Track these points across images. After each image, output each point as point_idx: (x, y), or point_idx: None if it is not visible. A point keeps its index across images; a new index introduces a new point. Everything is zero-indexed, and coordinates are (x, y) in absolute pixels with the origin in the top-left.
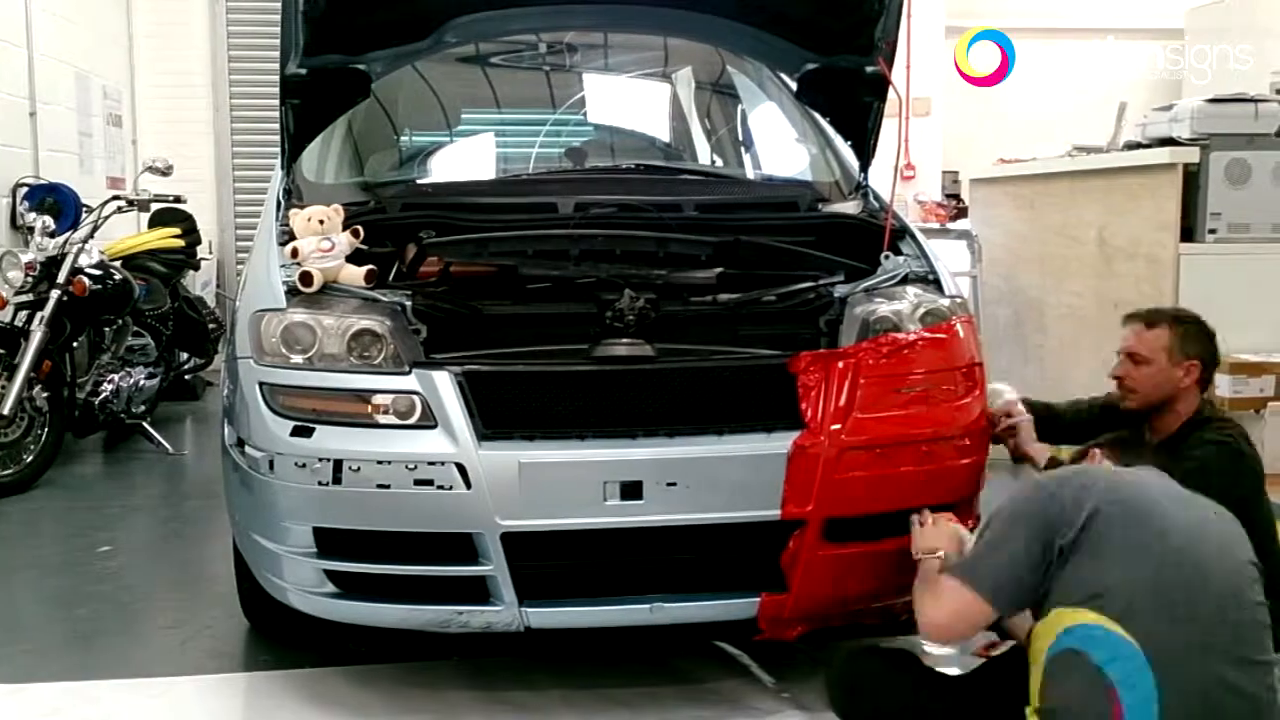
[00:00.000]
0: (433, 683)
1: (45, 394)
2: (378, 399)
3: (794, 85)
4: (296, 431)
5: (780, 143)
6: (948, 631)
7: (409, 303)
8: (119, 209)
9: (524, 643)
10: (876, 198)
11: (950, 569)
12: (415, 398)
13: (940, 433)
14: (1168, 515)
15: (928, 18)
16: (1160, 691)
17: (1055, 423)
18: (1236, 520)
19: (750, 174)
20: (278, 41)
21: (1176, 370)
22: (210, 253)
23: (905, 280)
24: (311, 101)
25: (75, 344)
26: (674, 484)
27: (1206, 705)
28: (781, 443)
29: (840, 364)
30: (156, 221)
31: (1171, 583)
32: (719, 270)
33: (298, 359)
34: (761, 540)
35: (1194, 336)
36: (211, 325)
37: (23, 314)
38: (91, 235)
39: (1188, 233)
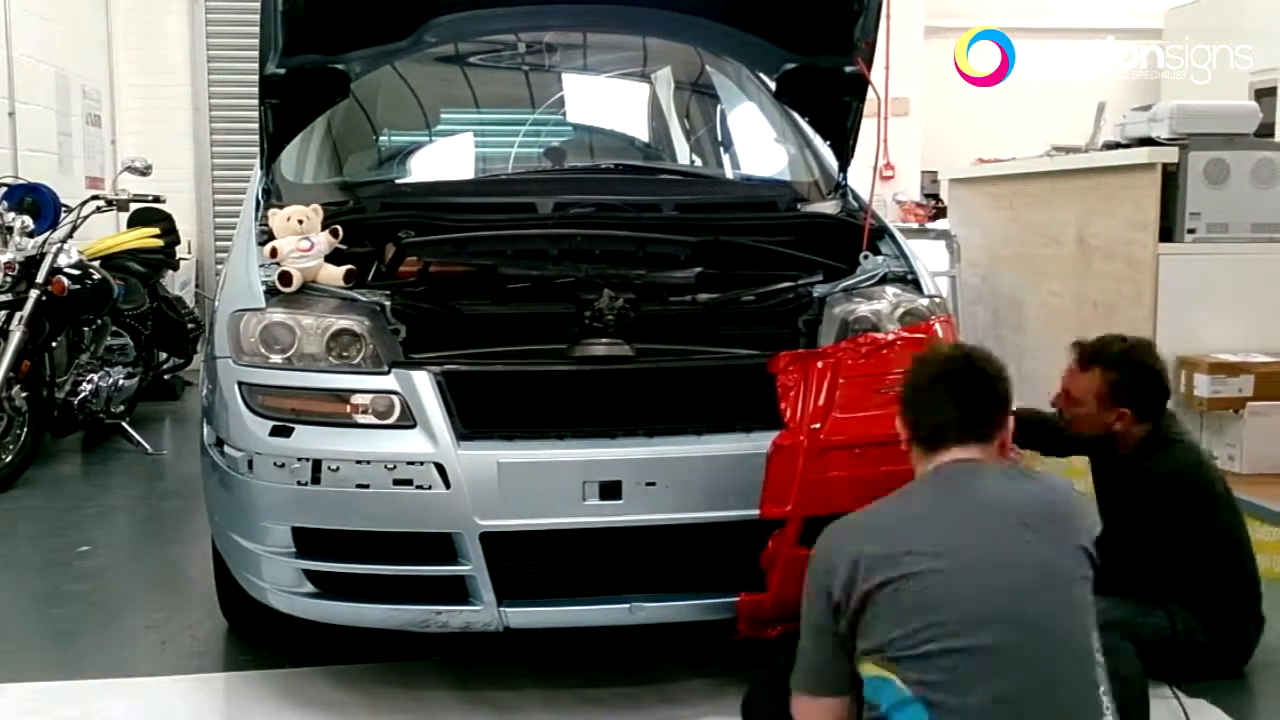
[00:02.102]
0: (412, 682)
1: (24, 394)
2: (357, 399)
3: (773, 85)
4: (275, 431)
5: (759, 143)
6: None
7: (388, 302)
8: (98, 209)
9: (503, 643)
10: (855, 197)
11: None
12: (394, 397)
13: None
14: (939, 556)
15: (907, 17)
16: None
17: (1044, 431)
18: (1067, 518)
19: (729, 174)
20: (257, 41)
21: (1108, 415)
22: (189, 252)
23: (884, 280)
24: (290, 101)
25: (54, 344)
26: (653, 484)
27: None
28: (760, 442)
29: (819, 364)
30: (135, 221)
31: (947, 628)
32: (698, 270)
33: (277, 359)
34: (740, 540)
35: (1125, 387)
36: (190, 325)
37: (1, 314)
38: (70, 235)
39: (1166, 232)
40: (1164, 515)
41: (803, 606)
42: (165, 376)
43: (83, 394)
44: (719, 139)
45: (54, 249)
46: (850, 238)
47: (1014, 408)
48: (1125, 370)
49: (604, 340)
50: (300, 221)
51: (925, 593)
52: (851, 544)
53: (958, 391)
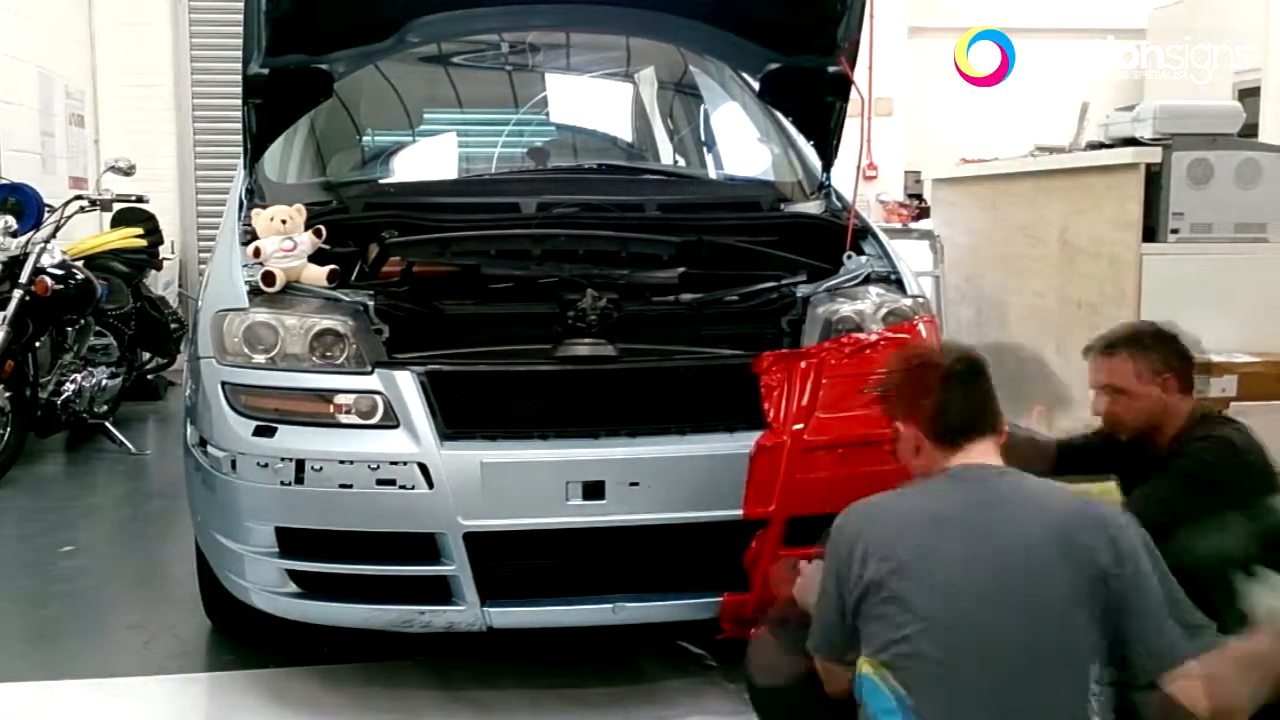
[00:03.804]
0: (395, 682)
1: (7, 394)
2: (340, 399)
3: (756, 85)
4: (259, 431)
5: (743, 142)
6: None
7: (371, 302)
8: (81, 209)
9: (486, 642)
10: (839, 197)
11: (807, 646)
12: (377, 397)
13: None
14: (952, 561)
15: (890, 17)
16: None
17: (1068, 455)
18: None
19: (713, 174)
20: (240, 41)
21: (1154, 388)
22: (172, 252)
23: (867, 280)
24: (274, 101)
25: (37, 344)
26: (636, 484)
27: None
28: (744, 443)
29: (803, 364)
30: (119, 221)
31: (945, 636)
32: (681, 270)
33: (260, 359)
34: (724, 540)
35: (1155, 349)
36: (174, 325)
37: None
38: (54, 235)
39: (1150, 232)
40: (1184, 500)
41: (823, 569)
42: (148, 376)
43: (66, 394)
44: (702, 139)
45: (37, 249)
46: (834, 238)
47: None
48: (1147, 339)
49: (587, 340)
50: (283, 221)
51: (932, 596)
52: (863, 527)
53: (971, 388)
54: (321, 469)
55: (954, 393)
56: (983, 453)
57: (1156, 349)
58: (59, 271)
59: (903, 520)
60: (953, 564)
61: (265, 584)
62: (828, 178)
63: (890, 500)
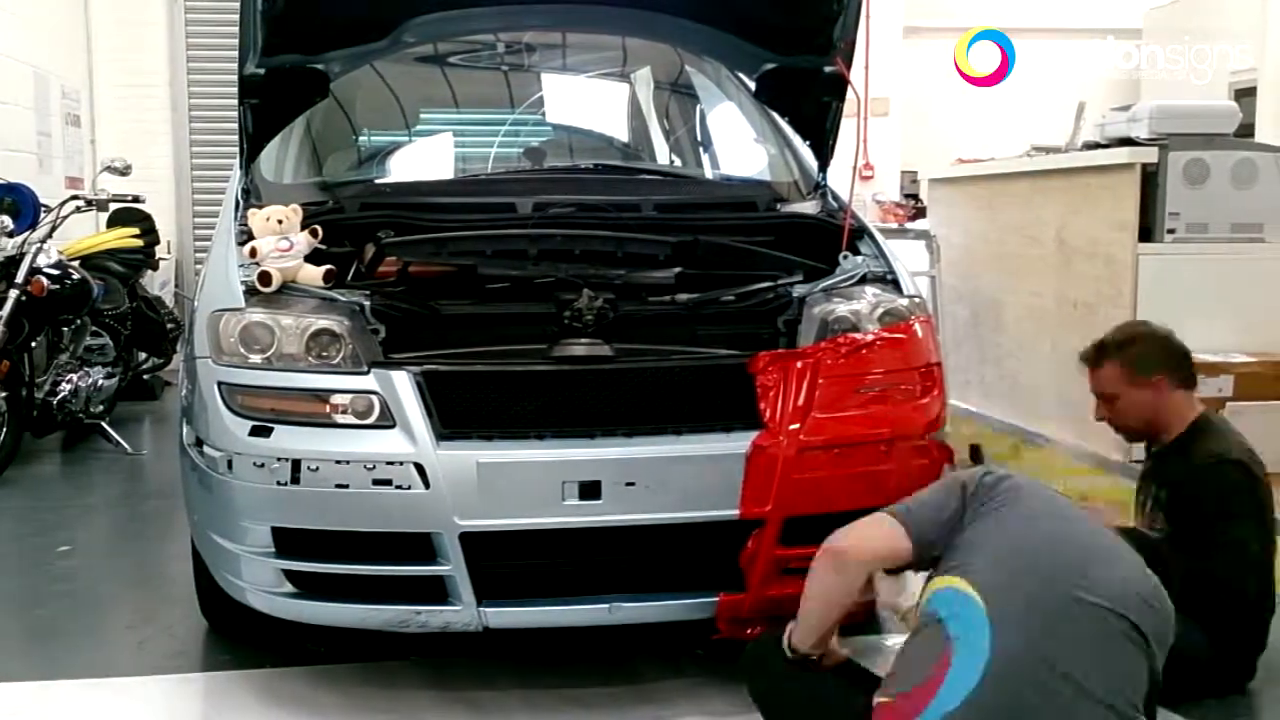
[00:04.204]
0: (392, 682)
1: (3, 394)
2: (336, 399)
3: (753, 85)
4: (255, 431)
5: (739, 143)
6: (857, 551)
7: (367, 302)
8: (77, 209)
9: (483, 642)
10: (835, 197)
11: (886, 510)
12: (374, 397)
13: (899, 433)
14: (1070, 525)
15: (886, 18)
16: (991, 657)
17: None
18: (1153, 578)
19: (709, 174)
20: (236, 42)
21: (1145, 392)
22: (169, 253)
23: (864, 280)
24: (270, 101)
25: (33, 344)
26: (632, 484)
27: (1033, 684)
28: (740, 442)
29: (799, 364)
30: (115, 221)
31: (1041, 575)
32: (677, 270)
33: (256, 359)
34: (720, 540)
35: (1142, 355)
36: (170, 325)
37: None
38: (50, 235)
39: (1146, 232)
40: (1196, 500)
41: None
42: (144, 376)
43: (62, 394)
44: (698, 139)
45: (33, 249)
46: (830, 238)
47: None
48: (1134, 343)
49: (583, 340)
50: (280, 221)
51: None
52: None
53: None
54: (318, 469)
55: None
56: None
57: (1145, 351)
58: (55, 271)
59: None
60: (1043, 533)
61: (261, 584)
62: (824, 178)
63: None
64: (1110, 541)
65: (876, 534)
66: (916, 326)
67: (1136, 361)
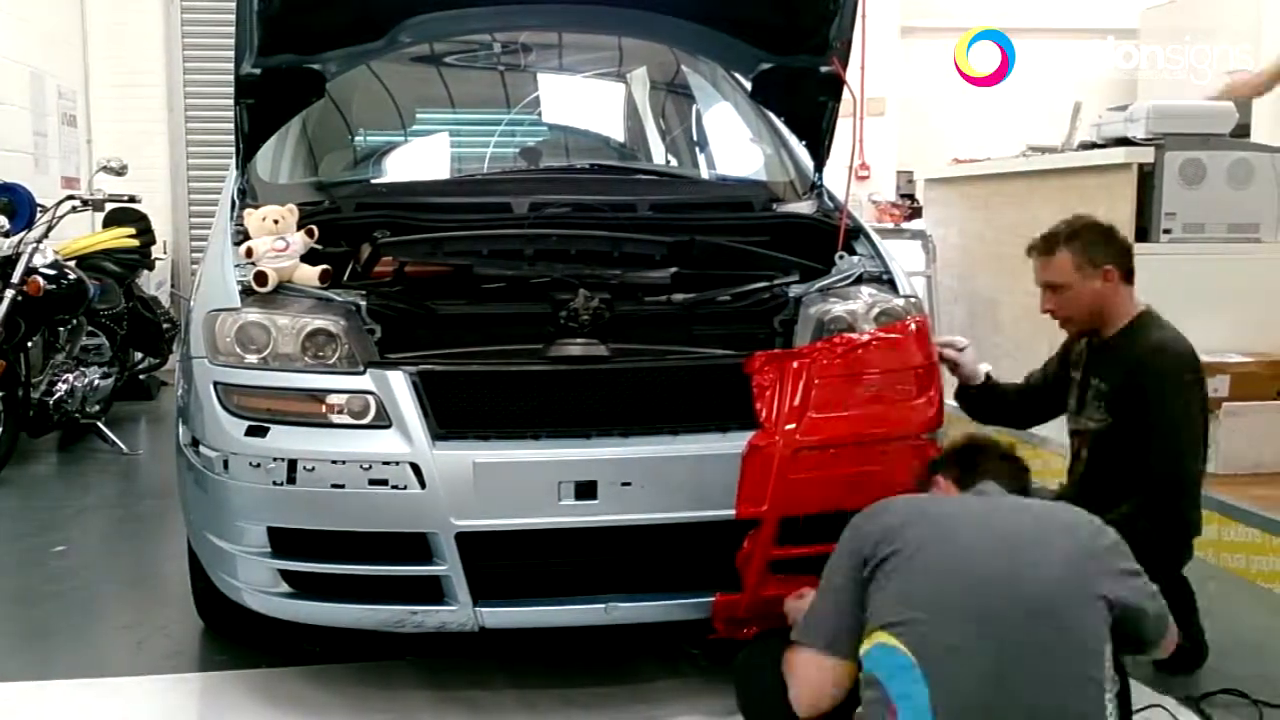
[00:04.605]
0: (388, 682)
1: (0, 394)
2: (332, 399)
3: (748, 85)
4: (251, 431)
5: (735, 142)
6: (812, 700)
7: (364, 302)
8: (74, 209)
9: (479, 643)
10: (831, 198)
11: (793, 638)
12: (370, 397)
13: (895, 432)
14: (975, 540)
15: (882, 17)
16: (935, 709)
17: (993, 397)
18: (1086, 532)
19: (705, 174)
20: (232, 41)
21: (1094, 282)
22: (165, 252)
23: (860, 280)
24: (266, 101)
25: (30, 344)
26: (628, 484)
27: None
28: (736, 443)
29: (795, 364)
30: (111, 221)
31: (963, 604)
32: (674, 270)
33: (252, 359)
34: (716, 540)
35: (1094, 243)
36: (166, 325)
37: None
38: (46, 235)
39: (1142, 233)
40: (1142, 389)
41: (827, 567)
42: (140, 376)
43: (58, 394)
44: (694, 139)
45: (29, 249)
46: (826, 238)
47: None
48: (1084, 233)
49: (579, 340)
50: (276, 221)
51: (928, 570)
52: (887, 514)
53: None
54: (314, 469)
55: None
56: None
57: (1095, 242)
58: (51, 271)
59: (917, 511)
60: (960, 551)
61: (257, 584)
62: (820, 178)
63: (908, 498)
64: (1033, 524)
65: (811, 682)
66: (912, 326)
67: (1088, 250)
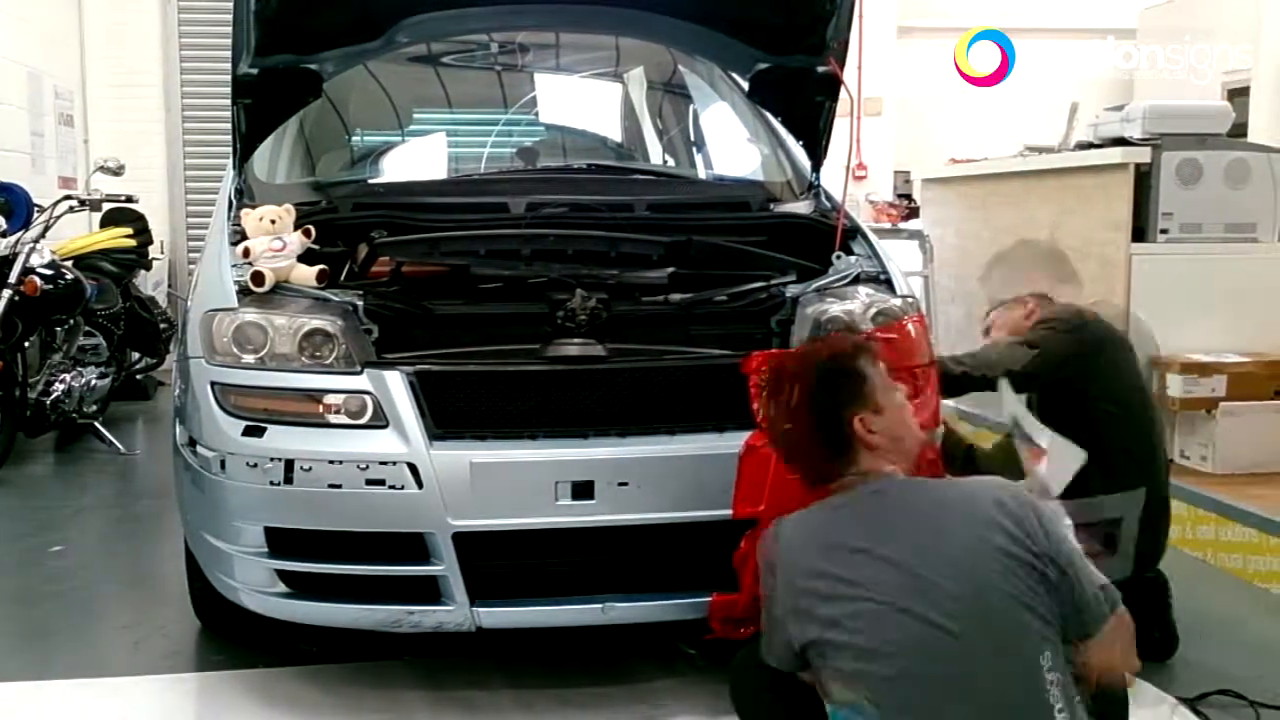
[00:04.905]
0: (385, 682)
1: None
2: (329, 399)
3: (745, 85)
4: (248, 431)
5: (732, 142)
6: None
7: (360, 302)
8: (71, 209)
9: (476, 643)
10: (828, 197)
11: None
12: (367, 397)
13: None
14: (880, 567)
15: (880, 17)
16: None
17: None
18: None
19: (702, 174)
20: (230, 41)
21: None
22: (162, 252)
23: (857, 280)
24: (263, 101)
25: (27, 344)
26: (625, 484)
27: None
28: (733, 442)
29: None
30: (108, 221)
31: (898, 639)
32: (671, 270)
33: (249, 359)
34: (713, 540)
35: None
36: (163, 325)
37: None
38: (43, 235)
39: (1139, 233)
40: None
41: (764, 592)
42: (138, 376)
43: (55, 394)
44: (692, 139)
45: (27, 249)
46: (823, 238)
47: None
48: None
49: (576, 340)
50: (273, 221)
51: (866, 623)
52: (781, 556)
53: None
54: (310, 469)
55: None
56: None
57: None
58: (48, 271)
59: (817, 551)
60: (877, 582)
61: (254, 584)
62: (817, 178)
63: (800, 523)
64: (944, 519)
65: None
66: (910, 326)
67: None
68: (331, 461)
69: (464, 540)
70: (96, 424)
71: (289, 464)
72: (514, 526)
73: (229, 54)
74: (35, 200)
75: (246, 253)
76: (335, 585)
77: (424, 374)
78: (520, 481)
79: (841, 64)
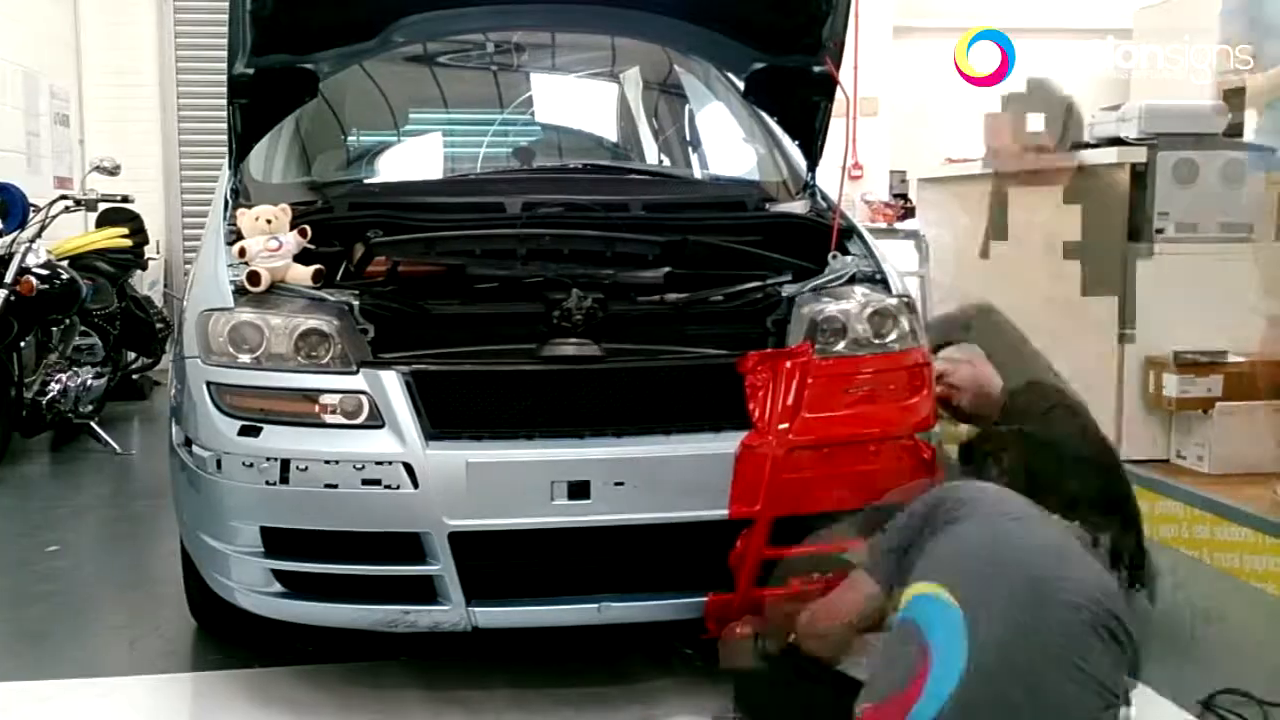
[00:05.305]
0: (381, 682)
1: None
2: (325, 399)
3: (741, 85)
4: (244, 431)
5: (728, 142)
6: (830, 616)
7: (356, 302)
8: (66, 209)
9: (472, 642)
10: (824, 197)
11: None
12: (363, 397)
13: (888, 432)
14: (1028, 527)
15: (876, 17)
16: (968, 662)
17: None
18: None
19: (698, 173)
20: (225, 41)
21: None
22: (158, 252)
23: (853, 280)
24: (259, 101)
25: (22, 344)
26: (621, 484)
27: (1011, 685)
28: (729, 442)
29: (788, 363)
30: (104, 221)
31: (1016, 578)
32: (667, 270)
33: (245, 358)
34: (709, 540)
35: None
36: (159, 325)
37: None
38: (39, 235)
39: (1135, 232)
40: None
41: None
42: (133, 376)
43: (51, 394)
44: (687, 139)
45: (22, 249)
46: (819, 237)
47: None
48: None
49: (572, 340)
50: (268, 221)
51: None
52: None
53: None
54: (307, 469)
55: None
56: None
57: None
58: (44, 271)
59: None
60: (1015, 538)
61: (250, 584)
62: (813, 177)
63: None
64: (1073, 542)
65: (849, 601)
66: (906, 325)
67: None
68: (327, 461)
69: (460, 540)
70: (92, 424)
71: (285, 464)
72: (510, 526)
73: (225, 54)
74: (31, 200)
75: (242, 252)
76: (331, 585)
77: (420, 374)
78: (516, 481)
79: (837, 64)
